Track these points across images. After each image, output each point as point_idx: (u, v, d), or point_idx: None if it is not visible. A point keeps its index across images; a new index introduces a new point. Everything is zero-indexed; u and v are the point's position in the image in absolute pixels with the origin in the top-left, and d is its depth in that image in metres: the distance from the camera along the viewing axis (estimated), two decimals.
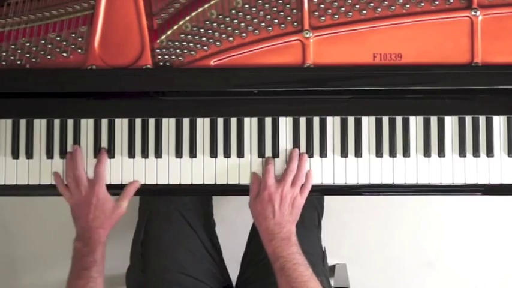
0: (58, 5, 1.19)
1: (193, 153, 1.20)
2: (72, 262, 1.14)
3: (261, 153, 1.20)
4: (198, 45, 1.19)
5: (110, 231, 1.17)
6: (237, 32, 1.19)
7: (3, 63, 1.19)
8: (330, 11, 1.18)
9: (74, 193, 1.18)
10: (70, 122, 1.21)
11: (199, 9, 1.19)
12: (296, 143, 1.20)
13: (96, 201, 1.16)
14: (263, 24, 1.19)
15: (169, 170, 1.20)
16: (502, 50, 1.17)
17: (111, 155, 1.21)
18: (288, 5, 1.19)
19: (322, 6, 1.19)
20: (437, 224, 1.90)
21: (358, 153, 1.19)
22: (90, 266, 1.11)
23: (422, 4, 1.18)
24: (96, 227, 1.15)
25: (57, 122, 1.21)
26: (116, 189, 1.20)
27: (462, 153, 1.19)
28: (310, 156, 1.20)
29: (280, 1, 1.19)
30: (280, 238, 1.13)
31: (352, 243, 1.90)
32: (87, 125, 1.21)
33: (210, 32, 1.19)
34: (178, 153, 1.20)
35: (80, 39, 1.19)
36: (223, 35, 1.19)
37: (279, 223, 1.15)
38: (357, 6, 1.18)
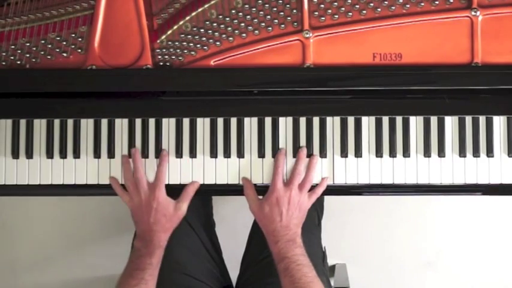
0: (58, 5, 1.19)
1: (193, 153, 1.20)
2: (129, 260, 1.15)
3: (261, 153, 1.20)
4: (198, 45, 1.19)
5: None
6: (237, 32, 1.19)
7: (3, 63, 1.19)
8: (330, 11, 1.18)
9: (133, 196, 1.17)
10: (70, 122, 1.21)
11: (199, 9, 1.19)
12: (296, 143, 1.20)
13: (157, 205, 1.15)
14: (263, 24, 1.19)
15: (170, 170, 1.20)
16: (501, 50, 1.17)
17: (111, 155, 1.20)
18: (288, 5, 1.19)
19: (322, 6, 1.19)
20: (437, 224, 1.90)
21: (358, 153, 1.19)
22: (145, 268, 1.12)
23: (422, 4, 1.18)
24: (157, 230, 1.15)
25: (57, 122, 1.21)
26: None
27: (462, 153, 1.19)
28: (310, 156, 1.20)
29: (280, 1, 1.19)
30: (286, 240, 1.14)
31: (352, 243, 1.90)
32: (87, 125, 1.21)
33: (210, 32, 1.19)
34: (178, 153, 1.20)
35: (80, 39, 1.19)
36: (223, 35, 1.19)
37: (286, 226, 1.15)
38: (357, 6, 1.18)
